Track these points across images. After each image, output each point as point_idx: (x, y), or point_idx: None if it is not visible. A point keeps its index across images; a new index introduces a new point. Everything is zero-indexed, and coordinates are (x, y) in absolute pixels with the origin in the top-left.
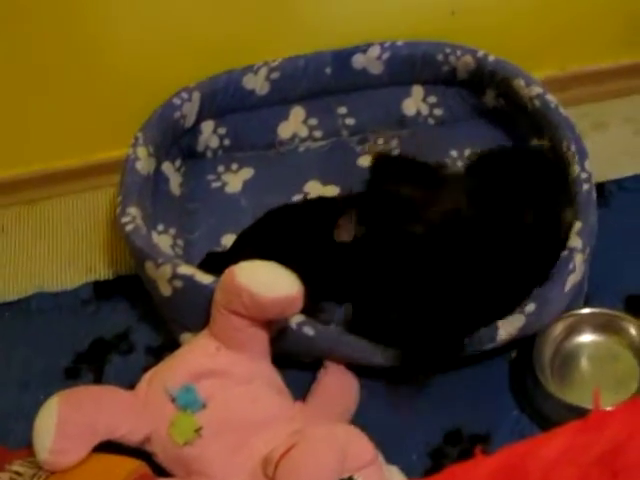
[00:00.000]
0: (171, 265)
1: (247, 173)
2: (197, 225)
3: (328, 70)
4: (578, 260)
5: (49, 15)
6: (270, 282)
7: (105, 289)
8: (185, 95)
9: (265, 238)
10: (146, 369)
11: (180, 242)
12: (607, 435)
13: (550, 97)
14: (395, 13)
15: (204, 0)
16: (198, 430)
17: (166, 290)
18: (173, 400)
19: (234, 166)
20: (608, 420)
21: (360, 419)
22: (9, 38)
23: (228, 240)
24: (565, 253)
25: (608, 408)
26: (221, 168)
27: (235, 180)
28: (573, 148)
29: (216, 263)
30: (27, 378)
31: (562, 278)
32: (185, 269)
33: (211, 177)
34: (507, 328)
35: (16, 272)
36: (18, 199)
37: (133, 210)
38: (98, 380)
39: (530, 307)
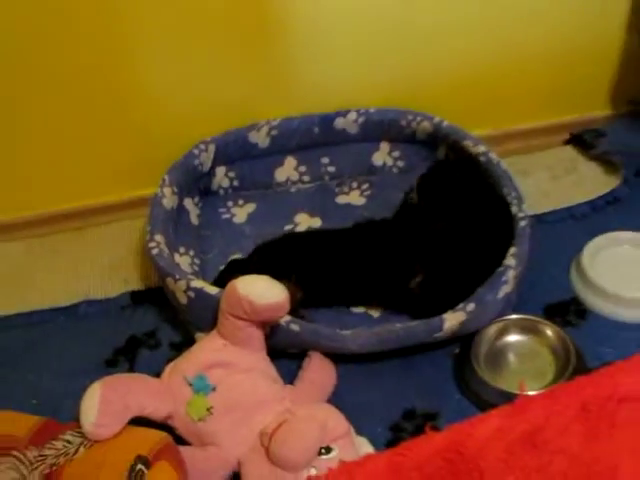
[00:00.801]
0: (186, 280)
1: (250, 207)
2: (210, 248)
3: (316, 129)
4: (511, 275)
5: (95, 76)
6: (264, 292)
7: (138, 297)
8: (202, 146)
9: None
10: (169, 361)
11: (197, 261)
12: (529, 416)
13: (493, 155)
14: (368, 86)
15: (218, 71)
16: (209, 409)
17: (183, 299)
18: (189, 385)
19: (240, 202)
20: (530, 404)
21: (336, 398)
22: (67, 96)
23: (235, 257)
24: (501, 269)
25: (530, 394)
26: (230, 203)
27: (241, 213)
28: (513, 194)
29: (235, 268)
30: (76, 367)
31: (496, 287)
32: (196, 283)
33: (222, 210)
34: (452, 321)
35: (68, 284)
36: (69, 227)
37: (158, 237)
38: (131, 369)
39: (470, 307)
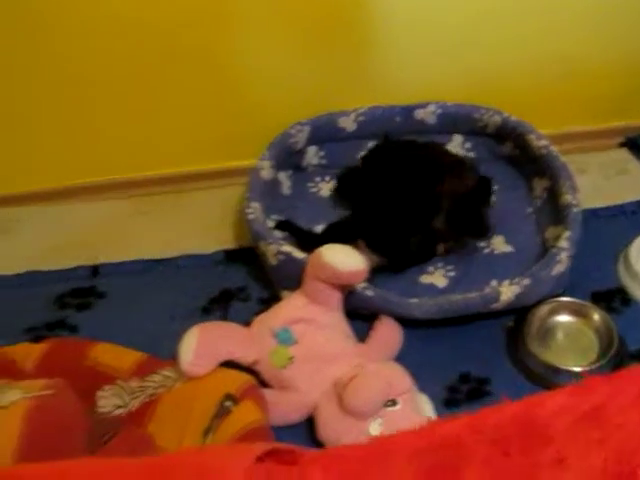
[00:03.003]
0: (276, 244)
1: (335, 184)
2: (299, 216)
3: (397, 118)
4: (563, 256)
5: (205, 56)
6: (346, 260)
7: (232, 256)
8: (299, 127)
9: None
10: (257, 313)
11: None
12: (594, 396)
13: (553, 148)
14: (445, 81)
15: (313, 61)
16: (291, 358)
17: (273, 261)
18: (275, 336)
19: (327, 178)
20: (596, 385)
21: (400, 358)
22: (181, 71)
23: (319, 227)
24: (555, 250)
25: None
26: (318, 178)
27: (327, 188)
28: (568, 184)
29: (333, 233)
30: (174, 313)
31: (550, 265)
32: (286, 247)
33: (310, 184)
34: (507, 294)
35: (168, 239)
36: (171, 189)
37: (255, 204)
38: (224, 318)
39: (525, 281)
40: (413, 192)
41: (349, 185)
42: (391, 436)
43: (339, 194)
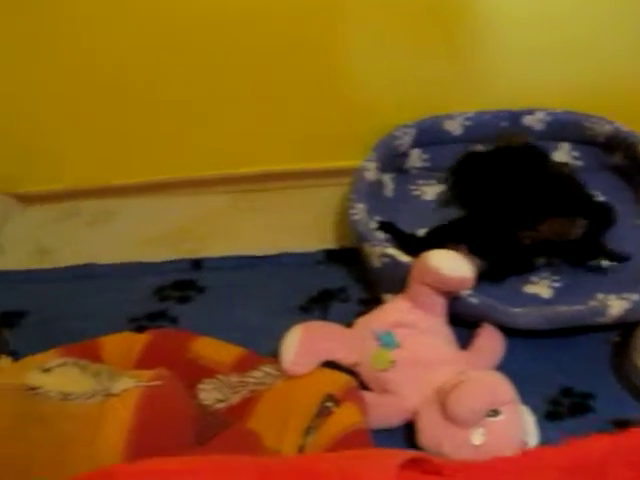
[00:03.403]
0: (381, 247)
1: (439, 187)
2: (401, 219)
3: (504, 124)
4: None
5: (311, 54)
6: (454, 266)
7: (333, 255)
8: (404, 129)
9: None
10: (357, 315)
11: None
12: None
13: None
14: (554, 88)
15: (421, 63)
16: (393, 362)
17: (377, 263)
18: (377, 339)
19: (430, 181)
20: None
21: (501, 368)
22: (288, 71)
23: (420, 231)
24: None
25: None
26: (420, 182)
27: (430, 191)
28: None
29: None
30: (273, 309)
31: None
32: (391, 251)
33: (413, 187)
34: (616, 308)
35: (270, 236)
36: (272, 186)
37: (360, 205)
38: (323, 317)
39: (636, 297)
40: (525, 203)
41: (463, 184)
42: (539, 451)
43: (452, 193)
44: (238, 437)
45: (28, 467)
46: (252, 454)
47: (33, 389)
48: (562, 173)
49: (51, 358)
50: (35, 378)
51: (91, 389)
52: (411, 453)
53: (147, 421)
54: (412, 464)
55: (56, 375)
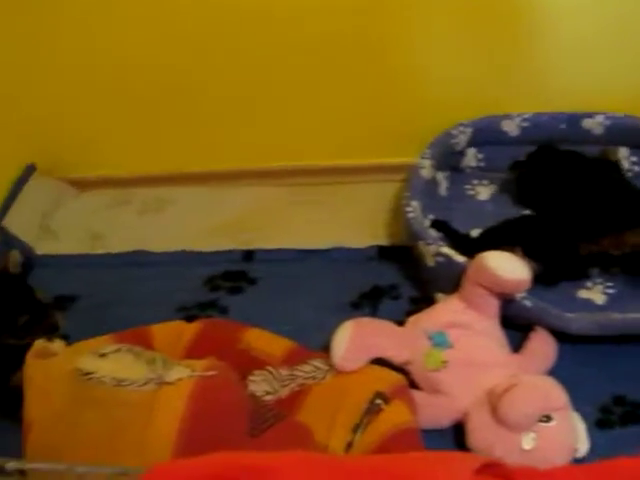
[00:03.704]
0: (436, 246)
1: (493, 188)
2: (454, 218)
3: (563, 126)
4: None
5: (375, 52)
6: (511, 268)
7: (385, 252)
8: (461, 128)
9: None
10: (408, 313)
11: None
12: None
13: None
14: (614, 92)
15: (483, 64)
16: (444, 362)
17: (430, 262)
18: (429, 339)
19: (485, 181)
20: None
21: (552, 373)
22: (350, 71)
23: (474, 231)
24: None
25: None
26: (475, 181)
27: (485, 191)
28: None
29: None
30: (323, 303)
31: None
32: (446, 250)
33: (467, 187)
34: None
35: (323, 230)
36: (326, 181)
37: (415, 203)
38: (373, 314)
39: None
40: (592, 215)
41: (531, 179)
42: (614, 461)
43: (518, 191)
44: (292, 431)
45: (79, 450)
46: (305, 449)
47: (87, 374)
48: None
49: (105, 344)
50: (90, 363)
51: (145, 376)
52: (484, 458)
53: (200, 411)
54: (483, 469)
55: (111, 361)
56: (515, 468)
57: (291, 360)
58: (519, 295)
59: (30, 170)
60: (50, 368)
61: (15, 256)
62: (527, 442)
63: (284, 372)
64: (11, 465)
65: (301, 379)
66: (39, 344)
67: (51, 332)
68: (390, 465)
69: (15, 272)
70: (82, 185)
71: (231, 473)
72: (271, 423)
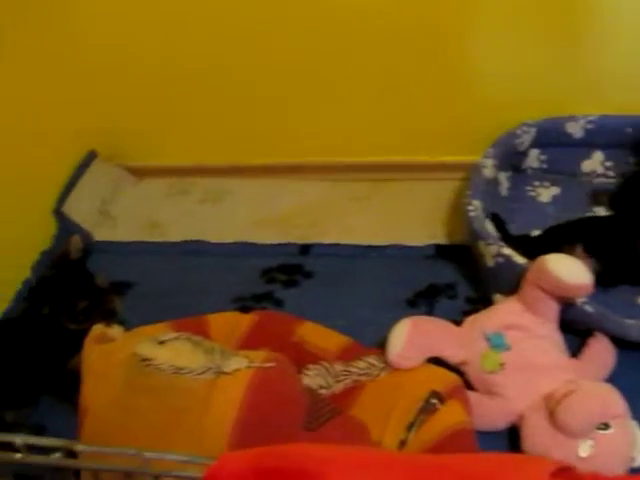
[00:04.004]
0: (497, 246)
1: (555, 190)
2: (515, 219)
3: (628, 129)
4: None
5: (438, 52)
6: (573, 272)
7: (443, 251)
8: (525, 128)
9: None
10: (464, 313)
11: None
12: None
13: None
14: None
15: (546, 65)
16: (502, 364)
17: (490, 262)
18: (487, 340)
19: (546, 183)
20: None
21: (610, 380)
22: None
23: (534, 233)
24: None
25: None
26: (537, 183)
27: (546, 193)
28: None
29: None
30: (379, 300)
31: None
32: (507, 250)
33: (528, 188)
34: None
35: (380, 227)
36: (382, 177)
37: (476, 202)
38: (429, 313)
39: None
40: None
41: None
42: None
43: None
44: (349, 426)
45: (135, 435)
46: (361, 444)
47: (145, 360)
48: None
49: (163, 331)
50: (148, 350)
51: (203, 365)
52: (559, 462)
53: (258, 402)
54: (557, 472)
55: (169, 348)
56: (586, 474)
57: (346, 356)
58: (580, 300)
59: (91, 156)
60: (108, 353)
61: (77, 241)
62: (584, 449)
63: (338, 367)
64: (80, 447)
65: (355, 375)
66: (97, 329)
67: (109, 317)
68: (464, 466)
69: (75, 257)
70: (141, 173)
71: (297, 465)
72: (328, 417)
